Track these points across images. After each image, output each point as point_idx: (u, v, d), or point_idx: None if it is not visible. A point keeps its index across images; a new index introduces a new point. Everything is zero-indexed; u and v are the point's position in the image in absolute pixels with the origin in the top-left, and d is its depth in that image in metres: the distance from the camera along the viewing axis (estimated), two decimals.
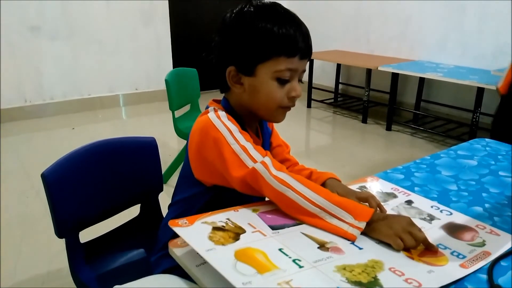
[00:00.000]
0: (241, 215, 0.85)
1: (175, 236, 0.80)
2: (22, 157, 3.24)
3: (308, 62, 3.44)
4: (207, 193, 0.95)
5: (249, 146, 0.89)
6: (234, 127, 0.91)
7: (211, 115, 0.93)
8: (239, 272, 0.65)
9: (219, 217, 0.83)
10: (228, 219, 0.83)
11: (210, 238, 0.75)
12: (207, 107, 1.01)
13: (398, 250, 0.76)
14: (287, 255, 0.72)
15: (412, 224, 0.80)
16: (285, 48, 0.88)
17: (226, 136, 0.89)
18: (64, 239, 1.11)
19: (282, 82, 0.91)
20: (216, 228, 0.79)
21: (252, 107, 0.97)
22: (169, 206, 1.07)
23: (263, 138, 1.06)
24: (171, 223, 0.79)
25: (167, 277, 0.82)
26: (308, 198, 0.83)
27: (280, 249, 0.73)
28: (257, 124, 1.05)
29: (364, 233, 0.79)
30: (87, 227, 1.16)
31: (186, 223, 0.80)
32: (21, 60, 4.00)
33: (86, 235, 1.18)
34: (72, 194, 1.10)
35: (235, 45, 0.90)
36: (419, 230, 0.79)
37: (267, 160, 0.88)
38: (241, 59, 0.91)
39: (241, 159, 0.87)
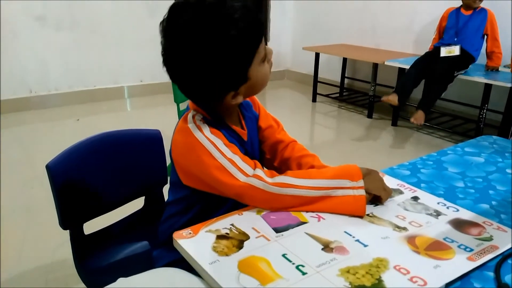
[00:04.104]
0: (245, 219, 0.85)
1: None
2: (27, 148, 3.25)
3: (314, 56, 3.44)
4: (200, 193, 0.94)
5: (237, 158, 0.88)
6: (219, 141, 0.88)
7: (193, 128, 0.89)
8: (242, 286, 0.65)
9: (224, 223, 0.83)
10: (232, 224, 0.83)
11: (214, 248, 0.75)
12: (187, 108, 0.97)
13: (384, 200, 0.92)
14: (290, 261, 0.72)
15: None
16: (258, 39, 0.87)
17: (212, 152, 0.86)
18: (68, 231, 1.11)
19: (264, 59, 0.91)
20: (220, 237, 0.79)
21: (249, 96, 0.96)
22: (166, 205, 1.06)
23: (247, 127, 1.02)
24: (175, 235, 0.80)
25: (172, 270, 0.82)
26: (309, 186, 0.86)
27: (283, 255, 0.73)
28: (238, 113, 1.02)
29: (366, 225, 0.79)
30: (91, 218, 1.16)
31: (190, 233, 0.80)
32: (26, 51, 4.00)
33: (90, 227, 1.18)
34: (76, 185, 1.10)
35: (222, 75, 0.83)
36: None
37: (259, 172, 0.87)
38: (233, 81, 0.86)
39: (231, 172, 0.86)
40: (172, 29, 0.83)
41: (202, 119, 0.92)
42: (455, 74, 3.32)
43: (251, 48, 0.85)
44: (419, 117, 3.34)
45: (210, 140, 0.87)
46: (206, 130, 0.89)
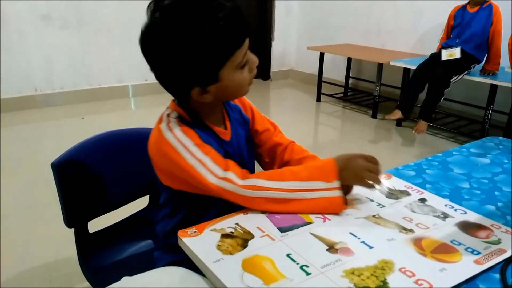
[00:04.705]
0: (250, 218, 0.85)
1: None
2: (32, 146, 3.26)
3: (319, 56, 3.37)
4: (181, 194, 0.92)
5: (207, 159, 0.86)
6: (189, 142, 0.86)
7: (163, 127, 0.87)
8: (245, 284, 0.65)
9: (228, 223, 0.83)
10: (237, 224, 0.83)
11: (218, 247, 0.75)
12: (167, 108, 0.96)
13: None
14: (295, 261, 0.71)
15: (364, 158, 0.91)
16: (236, 44, 0.83)
17: (182, 153, 0.85)
18: (73, 229, 1.11)
19: (243, 66, 0.88)
20: (224, 235, 0.78)
21: (223, 99, 0.94)
22: (160, 206, 1.06)
23: (233, 128, 1.00)
24: (180, 234, 0.79)
25: (176, 269, 0.82)
26: (282, 188, 0.85)
27: (288, 255, 0.73)
28: (223, 114, 0.99)
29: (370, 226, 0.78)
30: (96, 217, 1.16)
31: (195, 232, 0.80)
32: (31, 49, 4.01)
33: (95, 225, 1.18)
34: (81, 184, 1.10)
35: (189, 70, 0.82)
36: (372, 160, 0.91)
37: (230, 175, 0.85)
38: (201, 77, 0.84)
39: (200, 174, 0.84)
40: (155, 9, 0.82)
41: (177, 118, 0.90)
42: (452, 80, 3.26)
43: (226, 50, 0.82)
44: (420, 127, 3.33)
45: (180, 140, 0.86)
46: (177, 130, 0.87)
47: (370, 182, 0.89)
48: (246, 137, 1.04)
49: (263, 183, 0.85)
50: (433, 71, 3.32)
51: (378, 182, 0.90)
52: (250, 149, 1.05)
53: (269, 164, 1.09)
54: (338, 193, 0.85)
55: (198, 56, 0.80)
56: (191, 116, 0.92)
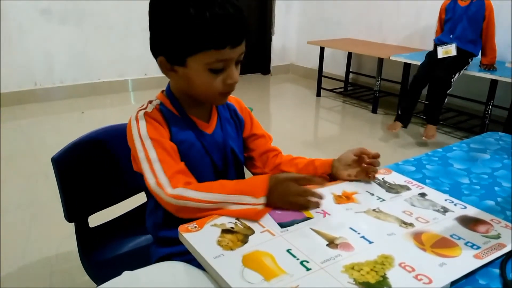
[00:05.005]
0: None
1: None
2: (31, 141, 3.26)
3: (319, 51, 3.36)
4: None
5: (155, 159, 0.86)
6: (144, 133, 0.88)
7: (133, 116, 0.92)
8: (246, 280, 0.65)
9: (229, 218, 0.83)
10: (237, 219, 0.83)
11: (219, 242, 0.75)
12: None
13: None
14: (295, 256, 0.71)
15: (296, 181, 0.87)
16: (213, 42, 0.83)
17: (136, 142, 0.88)
18: (73, 223, 1.11)
19: (216, 72, 0.87)
20: (225, 231, 0.78)
21: (191, 93, 0.94)
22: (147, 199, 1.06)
23: (224, 127, 1.01)
24: (180, 229, 0.79)
25: (177, 263, 0.82)
26: (207, 200, 0.84)
27: (288, 250, 0.73)
28: (210, 109, 1.01)
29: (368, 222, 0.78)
30: (96, 211, 1.16)
31: (196, 227, 0.80)
32: (31, 43, 4.00)
33: (95, 219, 1.18)
34: (81, 178, 1.10)
35: (161, 36, 0.88)
36: (305, 183, 0.87)
37: (163, 181, 0.85)
38: (169, 50, 0.87)
39: (144, 171, 0.87)
40: None
41: (157, 105, 0.94)
42: (452, 80, 3.23)
43: (199, 41, 0.83)
44: (430, 132, 3.29)
45: (140, 133, 0.89)
46: (142, 122, 0.91)
47: (305, 204, 0.86)
48: (236, 137, 1.05)
49: (189, 194, 0.84)
50: (433, 72, 3.29)
51: (313, 206, 0.86)
52: (239, 149, 1.06)
53: (259, 169, 1.10)
54: (260, 207, 0.83)
55: (171, 29, 0.84)
56: (174, 105, 0.95)
